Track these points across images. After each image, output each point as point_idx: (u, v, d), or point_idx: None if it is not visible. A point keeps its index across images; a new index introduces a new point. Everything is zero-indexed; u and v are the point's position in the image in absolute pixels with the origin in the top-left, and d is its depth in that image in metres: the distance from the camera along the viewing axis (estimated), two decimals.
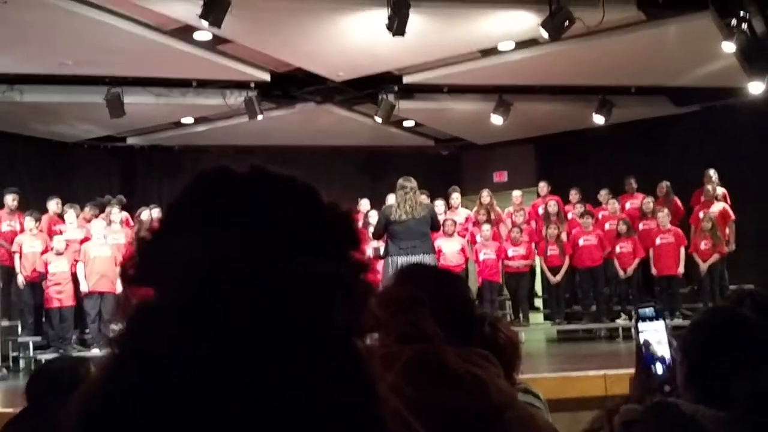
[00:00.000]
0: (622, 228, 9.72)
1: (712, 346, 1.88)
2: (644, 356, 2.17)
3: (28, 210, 9.48)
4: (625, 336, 9.70)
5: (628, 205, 10.45)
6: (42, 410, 2.68)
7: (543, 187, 10.97)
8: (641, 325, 2.19)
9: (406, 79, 10.07)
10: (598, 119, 10.81)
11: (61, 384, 2.72)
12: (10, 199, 9.56)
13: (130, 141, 12.34)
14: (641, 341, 2.21)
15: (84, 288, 8.99)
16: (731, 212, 9.79)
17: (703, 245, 9.47)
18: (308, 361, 0.52)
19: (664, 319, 2.09)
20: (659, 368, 2.13)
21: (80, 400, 0.52)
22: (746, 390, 1.79)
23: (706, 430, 1.76)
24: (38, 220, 9.37)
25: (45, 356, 9.02)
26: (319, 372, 0.52)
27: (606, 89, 10.64)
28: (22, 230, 9.30)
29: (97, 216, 9.77)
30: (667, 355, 2.11)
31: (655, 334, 2.16)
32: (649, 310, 2.08)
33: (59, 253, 8.98)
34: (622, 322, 9.72)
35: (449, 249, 9.40)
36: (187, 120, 11.64)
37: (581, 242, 9.78)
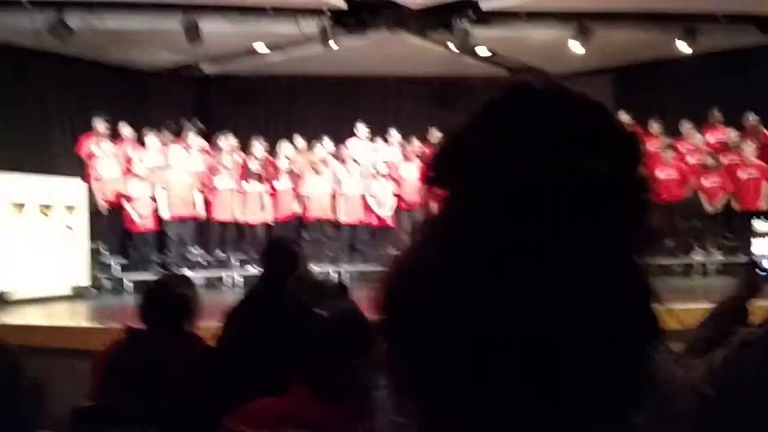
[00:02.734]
0: (710, 161, 9.46)
1: None
2: (753, 254, 2.25)
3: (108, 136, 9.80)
4: (701, 272, 9.55)
5: (711, 138, 10.09)
6: (163, 332, 2.75)
7: (623, 118, 10.63)
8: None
9: (483, 5, 9.80)
10: (682, 48, 10.37)
11: (176, 305, 2.80)
12: (100, 124, 9.91)
13: (205, 69, 12.45)
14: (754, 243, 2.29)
15: (164, 214, 9.27)
16: None
17: None
18: (590, 270, 0.54)
19: None
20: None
21: (394, 270, 0.58)
22: None
23: None
24: (117, 145, 9.69)
25: (129, 277, 9.44)
26: (602, 286, 0.54)
27: (691, 16, 10.15)
28: None
29: (173, 141, 9.98)
30: None
31: None
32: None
33: (140, 179, 9.25)
34: (698, 257, 9.55)
35: None
36: (261, 48, 11.65)
37: (661, 176, 9.53)
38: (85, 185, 9.25)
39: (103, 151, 9.55)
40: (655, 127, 10.26)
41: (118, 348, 2.69)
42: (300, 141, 10.70)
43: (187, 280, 3.05)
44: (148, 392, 2.48)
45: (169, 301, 2.76)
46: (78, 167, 10.43)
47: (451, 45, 10.40)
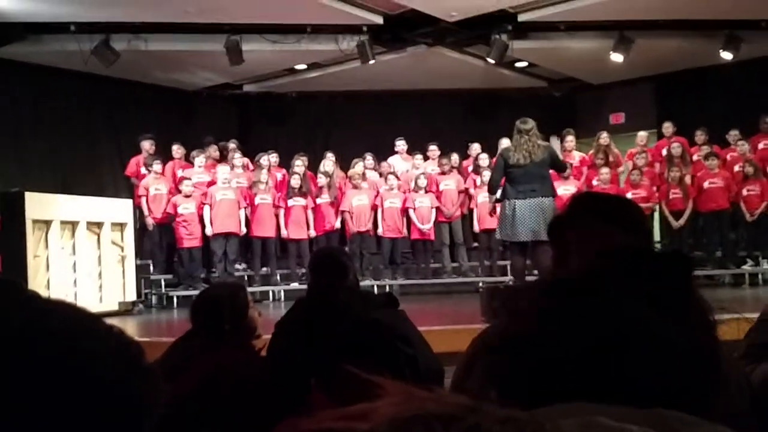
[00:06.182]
0: (749, 170, 9.32)
1: None
2: None
3: (155, 156, 10.02)
4: (751, 283, 9.35)
5: (761, 146, 9.92)
6: (207, 331, 2.86)
7: (668, 127, 10.49)
8: None
9: (521, 17, 9.80)
10: (726, 56, 10.23)
11: (223, 308, 2.89)
12: (148, 145, 10.16)
13: (246, 88, 12.66)
14: None
15: (209, 231, 9.42)
16: None
17: None
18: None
19: None
20: None
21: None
22: None
23: None
24: (163, 164, 9.91)
25: (176, 293, 9.59)
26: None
27: (734, 23, 10.03)
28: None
29: (218, 160, 10.17)
30: None
31: None
32: None
33: (187, 196, 9.42)
34: (748, 268, 9.37)
35: (564, 192, 9.21)
36: (300, 66, 11.82)
37: (706, 185, 9.39)
38: (131, 203, 9.42)
39: (152, 170, 9.77)
40: (699, 135, 10.11)
41: (170, 354, 2.75)
42: (340, 157, 10.79)
43: (239, 286, 3.12)
44: (200, 397, 2.53)
45: (221, 308, 2.83)
46: (126, 188, 10.67)
47: (489, 58, 10.41)
